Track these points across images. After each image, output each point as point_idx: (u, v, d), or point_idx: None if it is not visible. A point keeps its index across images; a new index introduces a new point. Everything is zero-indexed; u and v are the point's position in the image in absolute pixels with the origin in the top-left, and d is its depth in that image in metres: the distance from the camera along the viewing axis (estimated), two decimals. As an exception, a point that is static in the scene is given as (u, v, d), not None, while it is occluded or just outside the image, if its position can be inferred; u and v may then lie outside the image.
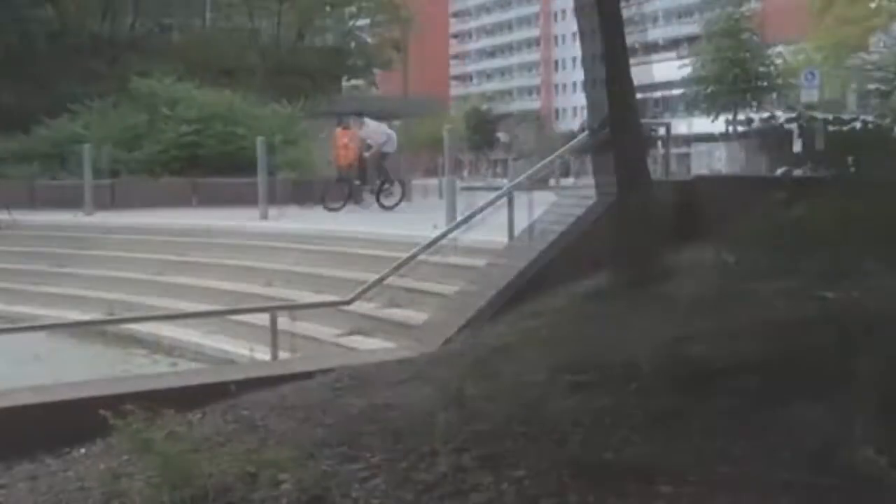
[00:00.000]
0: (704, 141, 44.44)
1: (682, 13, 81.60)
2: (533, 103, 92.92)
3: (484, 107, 62.90)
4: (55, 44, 24.94)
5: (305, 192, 16.20)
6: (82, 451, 5.50)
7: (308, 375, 5.91)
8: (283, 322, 8.69)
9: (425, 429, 4.29)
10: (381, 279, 7.71)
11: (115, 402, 5.55)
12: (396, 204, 16.17)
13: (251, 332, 8.88)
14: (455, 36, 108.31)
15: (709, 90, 45.13)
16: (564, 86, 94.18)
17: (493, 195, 8.78)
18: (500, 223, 8.51)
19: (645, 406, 4.14)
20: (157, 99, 20.27)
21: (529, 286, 6.77)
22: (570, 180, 18.72)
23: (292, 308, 7.86)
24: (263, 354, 7.93)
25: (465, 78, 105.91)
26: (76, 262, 13.16)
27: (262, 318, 8.96)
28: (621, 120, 6.74)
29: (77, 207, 15.92)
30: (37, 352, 9.61)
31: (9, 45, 23.37)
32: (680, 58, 52.63)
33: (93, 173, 16.40)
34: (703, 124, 45.93)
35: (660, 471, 3.69)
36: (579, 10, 7.14)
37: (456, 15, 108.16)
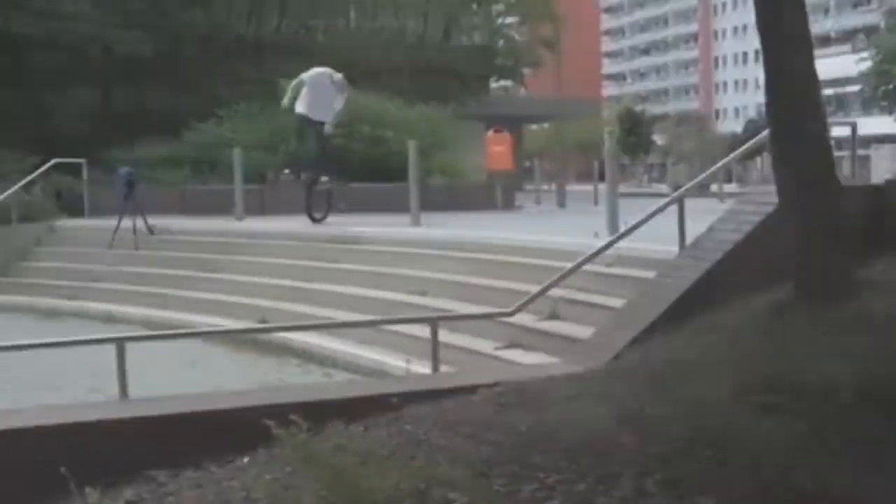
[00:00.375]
0: (885, 142, 42.45)
1: (858, 2, 78.33)
2: (690, 103, 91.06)
3: (638, 107, 62.08)
4: (203, 47, 26.05)
5: (457, 198, 16.38)
6: (246, 460, 5.72)
7: (471, 390, 5.97)
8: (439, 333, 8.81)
9: (602, 449, 4.27)
10: (545, 290, 7.71)
11: (278, 412, 5.75)
12: (324, 217, 14.68)
13: (406, 343, 9.03)
14: (607, 33, 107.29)
15: (891, 86, 43.07)
16: (725, 84, 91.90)
17: (652, 201, 8.66)
18: (661, 231, 8.40)
19: (846, 431, 4.00)
20: (304, 102, 20.85)
21: (704, 299, 6.63)
22: (732, 186, 18.25)
23: (453, 319, 7.95)
24: (421, 367, 8.04)
25: (617, 77, 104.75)
26: (227, 268, 13.70)
27: (417, 329, 9.14)
28: (806, 120, 6.52)
29: (226, 213, 16.58)
30: (191, 358, 10.08)
31: (160, 49, 24.53)
32: (856, 51, 50.51)
33: (242, 178, 17.02)
34: (881, 124, 43.91)
35: (866, 502, 3.56)
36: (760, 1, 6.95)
37: (608, 10, 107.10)
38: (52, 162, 18.10)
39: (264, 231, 14.75)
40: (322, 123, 14.78)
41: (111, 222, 15.63)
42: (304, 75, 15.07)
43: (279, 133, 20.13)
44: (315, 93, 14.79)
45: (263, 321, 11.49)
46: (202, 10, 27.31)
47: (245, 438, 5.78)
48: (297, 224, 14.97)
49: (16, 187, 17.03)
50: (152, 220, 15.49)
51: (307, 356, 10.28)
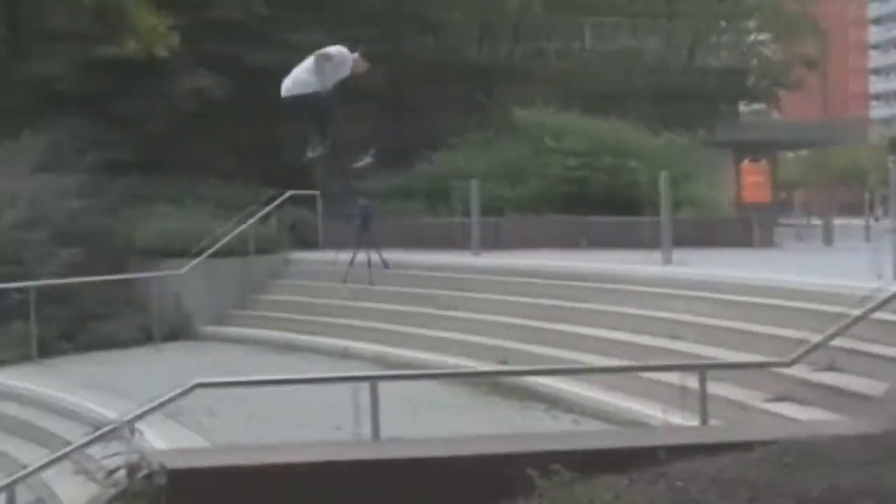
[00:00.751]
0: None
1: None
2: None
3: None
4: (433, 74, 26.80)
5: (708, 233, 16.06)
6: (503, 511, 5.81)
7: (746, 446, 5.82)
8: (692, 381, 8.69)
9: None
10: (828, 338, 7.43)
11: (537, 460, 5.83)
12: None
13: (660, 392, 8.92)
14: (875, 47, 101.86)
15: None
16: None
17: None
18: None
19: None
20: (541, 130, 21.07)
21: None
22: None
23: (724, 367, 7.79)
24: (679, 417, 7.93)
25: (888, 96, 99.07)
26: (464, 306, 14.01)
27: (671, 376, 9.02)
28: None
29: (460, 246, 16.98)
30: (430, 399, 10.38)
31: (390, 77, 25.38)
32: None
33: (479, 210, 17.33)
34: None
35: None
36: None
37: (878, 22, 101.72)
38: (288, 194, 19.14)
39: (503, 267, 14.96)
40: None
41: (344, 256, 16.35)
42: None
43: (515, 163, 20.46)
44: None
45: (504, 363, 11.68)
46: (433, 36, 28.14)
47: (502, 487, 5.88)
48: (535, 259, 15.11)
49: (253, 219, 18.14)
50: (386, 254, 16.07)
51: (552, 401, 10.33)
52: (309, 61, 14.09)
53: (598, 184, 19.13)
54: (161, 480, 4.42)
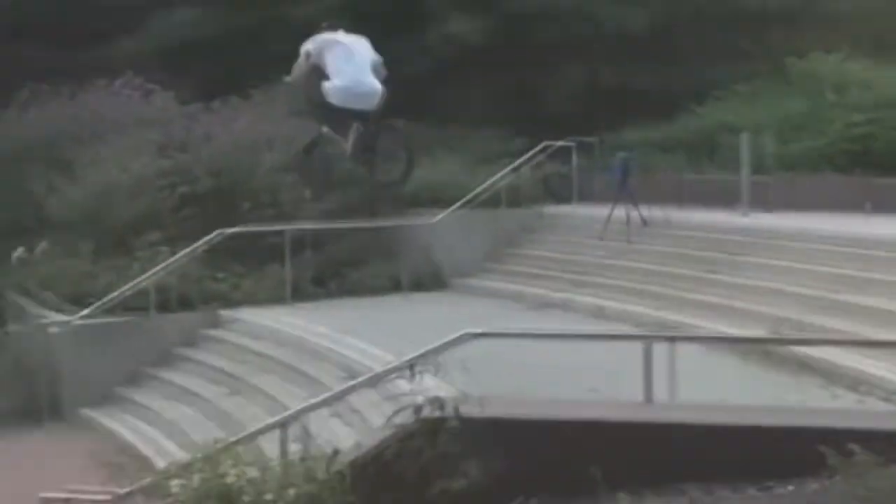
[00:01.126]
0: None
1: None
2: None
3: None
4: (697, 20, 25.96)
5: None
6: (790, 488, 5.64)
7: None
8: None
9: None
10: None
11: (831, 438, 5.60)
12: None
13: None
14: None
15: None
16: None
17: None
18: None
19: None
20: (820, 82, 20.08)
21: None
22: None
23: None
24: None
25: None
26: (731, 269, 13.63)
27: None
28: None
29: (726, 205, 16.46)
30: (695, 365, 10.15)
31: (651, 24, 24.80)
32: None
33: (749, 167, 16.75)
34: None
35: None
36: None
37: None
38: (542, 145, 19.10)
39: (776, 229, 14.43)
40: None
41: (600, 211, 16.22)
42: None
43: (790, 118, 19.61)
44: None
45: (774, 332, 11.28)
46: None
47: (788, 462, 5.70)
48: (816, 223, 14.45)
49: (506, 170, 18.26)
50: (646, 211, 15.81)
51: (830, 377, 9.88)
52: (359, 59, 13.20)
53: (887, 142, 18.02)
54: (455, 424, 4.52)
